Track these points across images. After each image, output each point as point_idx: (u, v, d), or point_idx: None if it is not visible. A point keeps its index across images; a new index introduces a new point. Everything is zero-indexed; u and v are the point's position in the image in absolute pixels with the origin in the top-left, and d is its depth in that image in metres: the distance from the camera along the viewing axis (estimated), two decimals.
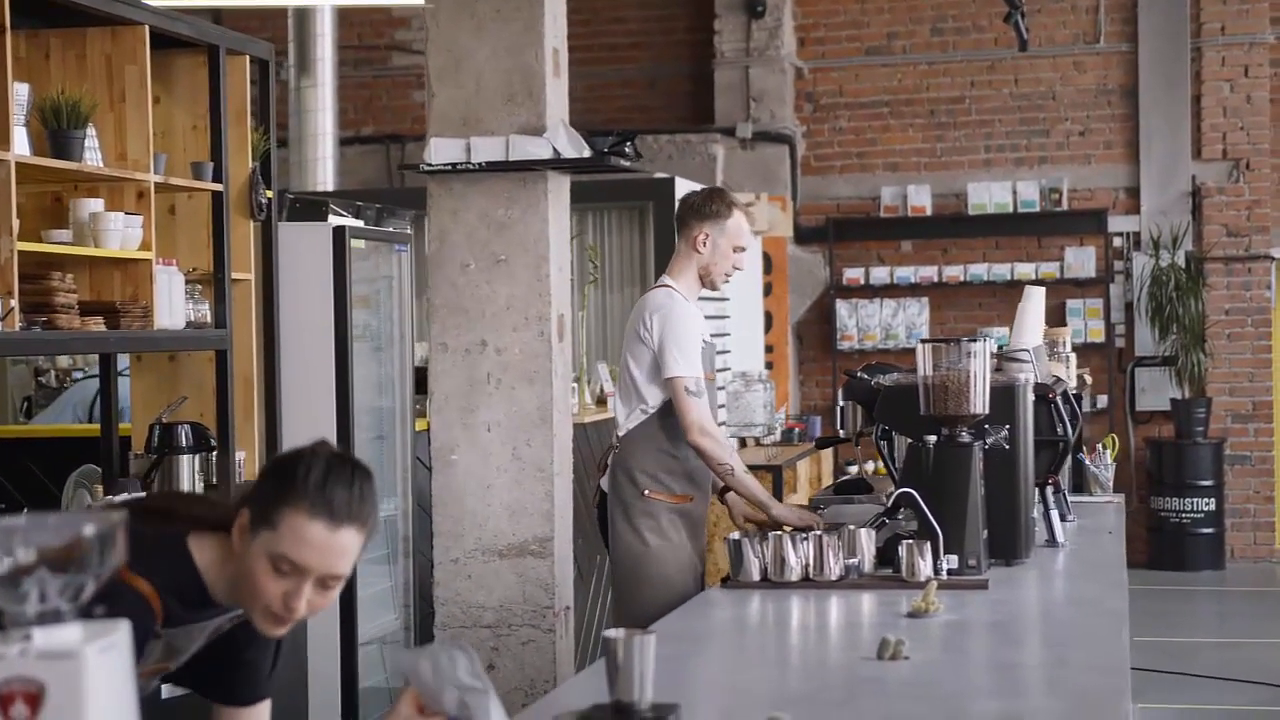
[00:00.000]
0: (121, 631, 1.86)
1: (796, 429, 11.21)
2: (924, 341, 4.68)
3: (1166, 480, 12.75)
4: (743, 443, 10.68)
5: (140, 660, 2.80)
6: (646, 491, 5.44)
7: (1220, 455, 12.82)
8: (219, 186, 5.81)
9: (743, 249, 5.52)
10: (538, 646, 5.96)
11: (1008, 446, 4.72)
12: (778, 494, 9.11)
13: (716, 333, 10.42)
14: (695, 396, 5.30)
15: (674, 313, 5.39)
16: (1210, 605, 11.91)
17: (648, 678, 2.84)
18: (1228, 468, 12.92)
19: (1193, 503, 12.66)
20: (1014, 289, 8.21)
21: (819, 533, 4.51)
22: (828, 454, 11.44)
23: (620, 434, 5.54)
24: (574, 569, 6.21)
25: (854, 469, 10.77)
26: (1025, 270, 13.03)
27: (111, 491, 5.46)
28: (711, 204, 5.52)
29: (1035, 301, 5.93)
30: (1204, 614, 11.61)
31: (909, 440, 4.78)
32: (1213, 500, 12.69)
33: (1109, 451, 6.67)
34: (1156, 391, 13.04)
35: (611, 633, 2.84)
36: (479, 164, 5.85)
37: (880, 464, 5.94)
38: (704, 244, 5.49)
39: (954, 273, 13.24)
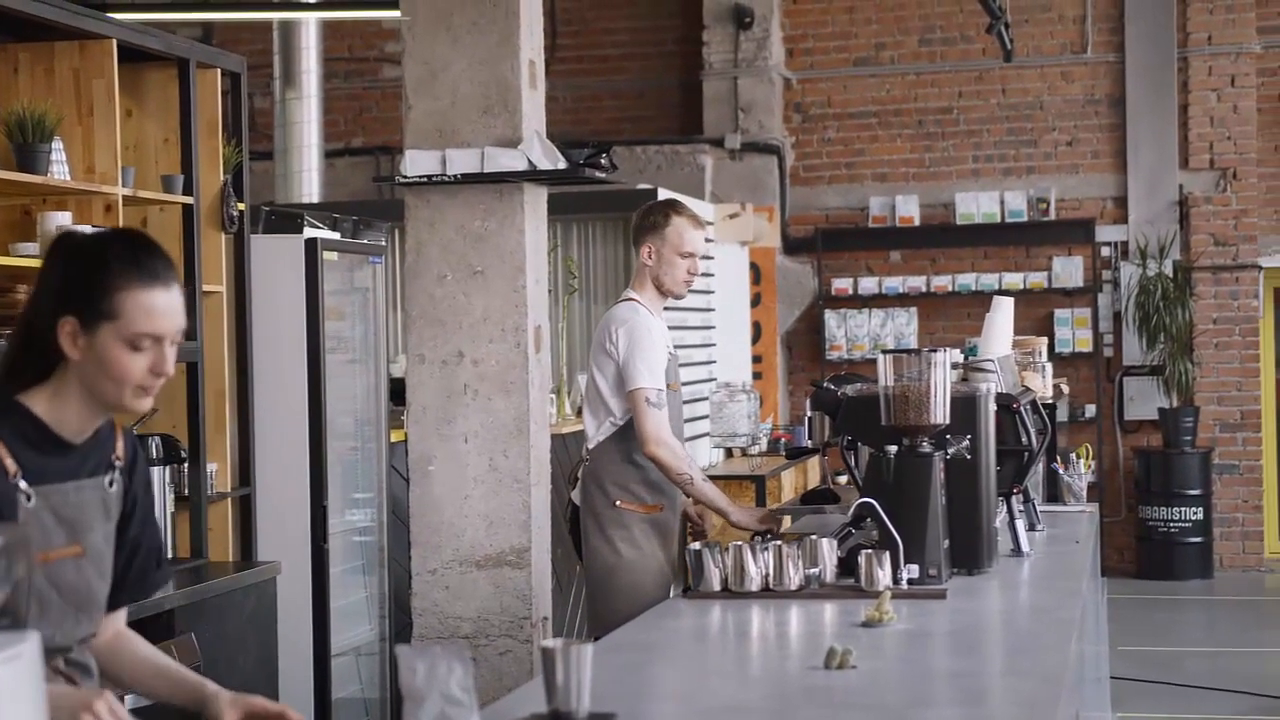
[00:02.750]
0: (29, 643, 1.87)
1: (783, 439, 11.19)
2: (885, 352, 4.69)
3: (1155, 489, 12.74)
4: (728, 453, 10.69)
5: (35, 536, 2.77)
6: (618, 502, 5.48)
7: (1208, 464, 12.83)
8: (190, 199, 5.83)
9: (690, 254, 5.54)
10: (515, 657, 5.96)
11: (969, 456, 4.73)
12: (760, 505, 9.12)
13: (702, 343, 10.48)
14: (655, 408, 5.34)
15: (639, 326, 5.42)
16: (1198, 614, 11.91)
17: (585, 687, 2.87)
18: (1216, 477, 12.93)
19: (1181, 512, 12.66)
20: None
21: (779, 543, 4.52)
22: (814, 464, 11.44)
23: (590, 446, 5.58)
24: (552, 579, 6.22)
25: (843, 479, 10.75)
26: (1013, 280, 13.02)
27: None
28: (649, 216, 5.58)
29: (1003, 312, 5.95)
30: (1192, 623, 11.60)
31: (870, 450, 4.79)
32: (1201, 509, 12.68)
33: (1082, 461, 6.68)
34: (1145, 401, 13.03)
35: (548, 643, 2.87)
36: (455, 176, 5.87)
37: None
38: (650, 256, 5.54)
39: (942, 283, 13.24)
